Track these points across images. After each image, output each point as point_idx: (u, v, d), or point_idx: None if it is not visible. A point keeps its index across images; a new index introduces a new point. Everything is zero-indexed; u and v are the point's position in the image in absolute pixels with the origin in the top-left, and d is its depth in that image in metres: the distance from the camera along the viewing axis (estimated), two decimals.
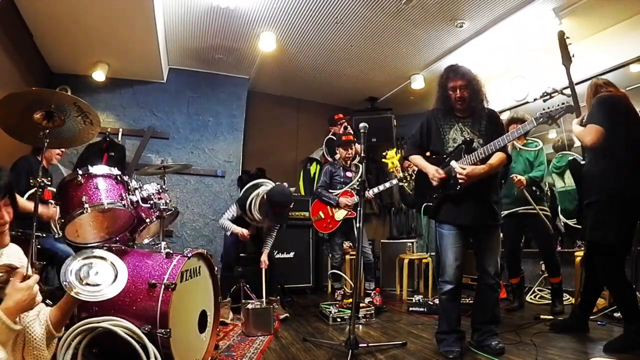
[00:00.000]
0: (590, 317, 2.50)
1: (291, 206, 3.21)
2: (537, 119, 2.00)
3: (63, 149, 2.99)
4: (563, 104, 1.99)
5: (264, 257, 3.21)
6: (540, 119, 1.99)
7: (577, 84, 3.70)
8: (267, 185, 3.13)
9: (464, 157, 2.12)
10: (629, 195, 2.02)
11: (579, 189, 2.37)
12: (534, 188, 3.14)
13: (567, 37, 2.42)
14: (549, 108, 1.99)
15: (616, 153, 2.06)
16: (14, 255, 1.26)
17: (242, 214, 3.11)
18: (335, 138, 4.82)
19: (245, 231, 3.12)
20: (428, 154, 2.34)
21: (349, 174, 3.83)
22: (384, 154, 4.28)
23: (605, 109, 2.10)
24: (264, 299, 2.89)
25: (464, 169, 2.04)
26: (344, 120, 4.85)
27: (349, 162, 3.85)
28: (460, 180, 2.04)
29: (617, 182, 2.05)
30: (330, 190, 3.77)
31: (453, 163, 2.09)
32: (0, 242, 1.16)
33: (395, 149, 3.92)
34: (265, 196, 3.01)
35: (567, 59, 2.34)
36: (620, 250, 2.08)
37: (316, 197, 3.86)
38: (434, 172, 2.17)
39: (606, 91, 2.23)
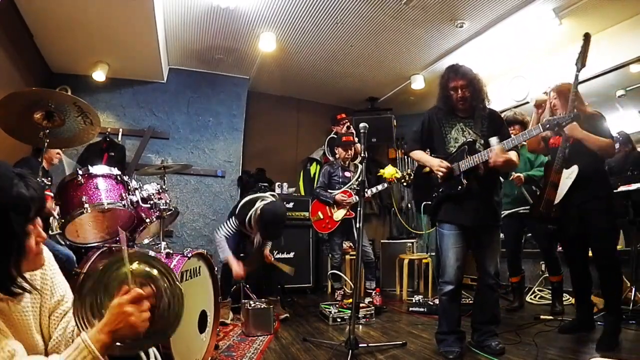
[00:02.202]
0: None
1: (283, 225, 3.08)
2: (544, 125, 1.99)
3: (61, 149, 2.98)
4: (571, 112, 2.01)
5: (267, 252, 3.23)
6: (547, 126, 1.98)
7: (578, 83, 3.71)
8: (265, 199, 3.03)
9: (467, 157, 2.10)
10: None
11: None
12: (533, 187, 3.15)
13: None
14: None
15: (606, 161, 2.38)
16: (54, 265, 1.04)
17: (242, 228, 3.06)
18: (336, 137, 4.84)
19: (240, 271, 2.96)
20: (428, 152, 2.34)
21: (347, 174, 3.84)
22: (382, 170, 4.00)
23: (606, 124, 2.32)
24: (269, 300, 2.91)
25: (503, 152, 1.97)
26: (346, 120, 4.86)
27: (347, 162, 3.85)
28: (492, 161, 2.00)
29: (609, 182, 2.36)
30: (329, 191, 3.78)
31: (493, 140, 2.02)
32: (39, 264, 0.92)
33: (395, 169, 3.78)
34: (260, 212, 2.94)
35: (582, 63, 2.29)
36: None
37: (315, 198, 3.87)
38: (438, 164, 2.13)
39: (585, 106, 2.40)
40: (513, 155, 2.04)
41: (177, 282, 0.96)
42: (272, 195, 3.10)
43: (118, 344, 0.85)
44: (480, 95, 2.17)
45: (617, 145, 3.41)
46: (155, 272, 0.93)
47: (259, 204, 2.96)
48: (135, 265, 0.93)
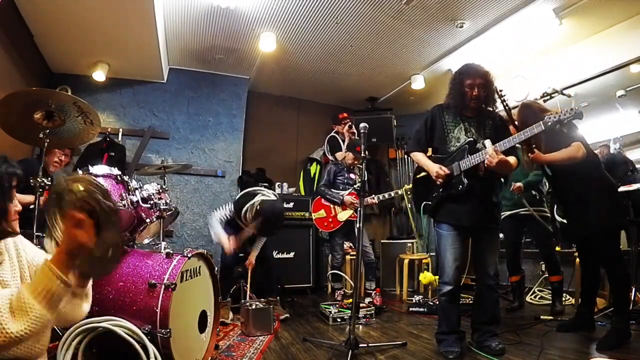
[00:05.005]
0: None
1: (280, 222, 3.10)
2: (546, 123, 1.97)
3: (62, 158, 2.89)
4: (572, 109, 1.97)
5: (252, 257, 3.21)
6: (549, 123, 1.96)
7: (578, 83, 3.72)
8: (264, 194, 3.05)
9: (467, 157, 2.10)
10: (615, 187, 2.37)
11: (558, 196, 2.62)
12: (532, 192, 3.15)
13: (501, 90, 2.57)
14: (557, 113, 1.99)
15: (594, 158, 2.37)
16: (27, 242, 1.19)
17: (236, 217, 3.06)
18: (337, 137, 4.85)
19: (231, 247, 2.99)
20: (430, 152, 2.33)
21: (352, 175, 3.85)
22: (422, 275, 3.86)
23: (574, 127, 2.32)
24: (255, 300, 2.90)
25: (497, 153, 1.97)
26: (348, 120, 4.85)
27: (353, 165, 3.87)
28: (487, 163, 1.99)
29: (607, 177, 2.33)
30: (333, 190, 3.77)
31: (487, 142, 2.03)
32: (14, 229, 1.09)
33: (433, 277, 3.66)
34: (259, 204, 2.95)
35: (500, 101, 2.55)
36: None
37: (319, 195, 3.86)
38: (437, 170, 2.14)
39: (549, 113, 2.36)
40: (511, 158, 2.05)
41: (112, 201, 1.12)
42: (274, 195, 3.12)
43: (78, 263, 1.01)
44: (491, 99, 2.21)
45: (615, 147, 3.44)
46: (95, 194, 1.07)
47: (258, 198, 2.97)
48: (80, 187, 1.07)
